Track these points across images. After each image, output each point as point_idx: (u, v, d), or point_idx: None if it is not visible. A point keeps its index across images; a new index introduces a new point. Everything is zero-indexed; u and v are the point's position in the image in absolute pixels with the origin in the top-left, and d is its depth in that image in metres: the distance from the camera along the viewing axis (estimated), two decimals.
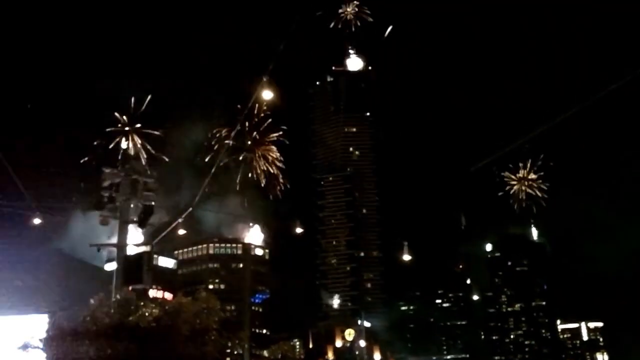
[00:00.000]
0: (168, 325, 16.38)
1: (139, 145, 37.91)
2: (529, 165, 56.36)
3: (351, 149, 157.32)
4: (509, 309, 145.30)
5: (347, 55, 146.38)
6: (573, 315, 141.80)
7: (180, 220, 25.41)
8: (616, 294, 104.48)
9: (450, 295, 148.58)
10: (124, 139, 40.39)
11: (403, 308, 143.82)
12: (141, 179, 20.33)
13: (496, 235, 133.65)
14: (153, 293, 60.72)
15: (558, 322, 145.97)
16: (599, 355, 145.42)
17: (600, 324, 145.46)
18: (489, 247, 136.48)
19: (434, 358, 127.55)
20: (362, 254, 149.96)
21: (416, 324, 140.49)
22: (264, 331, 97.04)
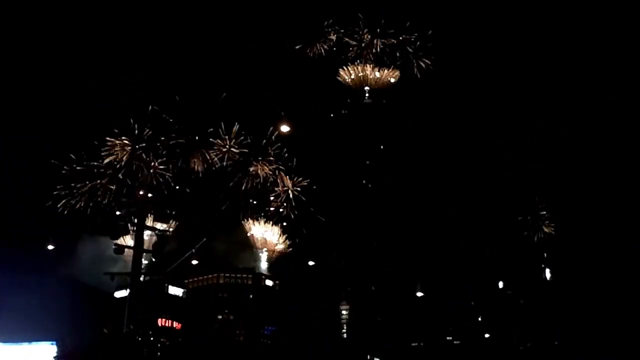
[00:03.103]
0: (179, 358, 16.28)
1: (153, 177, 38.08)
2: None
3: (364, 181, 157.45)
4: (520, 348, 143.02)
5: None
6: (585, 357, 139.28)
7: (193, 250, 25.31)
8: (628, 337, 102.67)
9: (461, 332, 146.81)
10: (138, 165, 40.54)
11: (413, 345, 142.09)
12: (157, 210, 20.31)
13: (508, 273, 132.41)
14: (161, 322, 60.40)
15: None
16: None
17: None
18: (500, 284, 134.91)
19: None
20: (372, 289, 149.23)
21: None
22: None
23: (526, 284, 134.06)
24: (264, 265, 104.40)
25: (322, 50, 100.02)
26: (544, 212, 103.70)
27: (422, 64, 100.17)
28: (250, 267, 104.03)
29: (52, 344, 35.03)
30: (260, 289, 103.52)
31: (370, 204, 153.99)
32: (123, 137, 41.51)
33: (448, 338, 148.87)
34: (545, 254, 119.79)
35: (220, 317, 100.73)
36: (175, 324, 64.91)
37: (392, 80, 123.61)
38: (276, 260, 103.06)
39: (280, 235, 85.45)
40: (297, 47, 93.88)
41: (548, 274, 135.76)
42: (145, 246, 20.08)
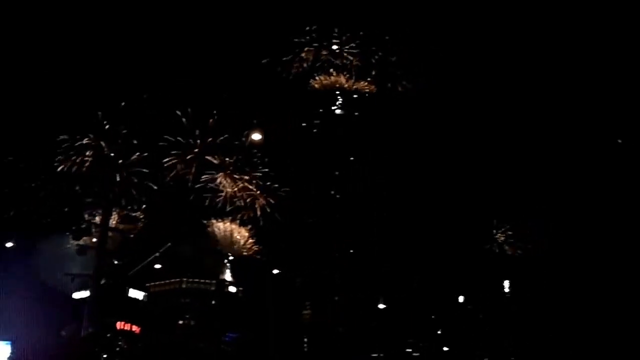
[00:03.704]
0: None
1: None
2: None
3: (332, 192, 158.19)
4: None
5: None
6: None
7: (157, 254, 25.22)
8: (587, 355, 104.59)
9: (420, 345, 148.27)
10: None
11: (373, 356, 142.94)
12: (122, 212, 20.25)
13: (469, 288, 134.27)
14: (120, 325, 59.72)
15: None
16: None
17: None
18: (460, 299, 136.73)
19: None
20: (336, 299, 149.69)
21: None
22: None
23: (486, 299, 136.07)
24: (227, 271, 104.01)
25: (298, 65, 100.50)
26: (505, 227, 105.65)
27: (398, 85, 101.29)
28: (214, 273, 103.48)
29: (7, 344, 34.48)
30: (223, 295, 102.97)
31: (337, 215, 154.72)
32: (90, 135, 41.13)
33: (408, 350, 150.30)
34: (505, 269, 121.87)
35: (181, 322, 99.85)
36: (134, 328, 64.24)
37: (366, 92, 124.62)
38: (241, 268, 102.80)
39: (246, 239, 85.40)
40: (264, 61, 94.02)
41: (508, 289, 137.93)
42: (109, 248, 19.98)
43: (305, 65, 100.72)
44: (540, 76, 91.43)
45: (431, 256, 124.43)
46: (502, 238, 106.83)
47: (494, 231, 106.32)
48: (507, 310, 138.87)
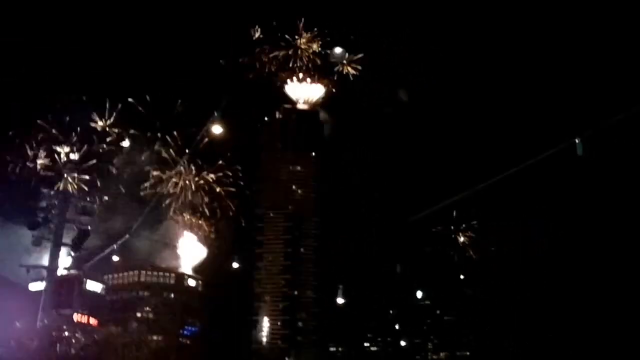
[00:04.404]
0: (97, 356, 16.49)
1: (75, 182, 37.19)
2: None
3: (294, 187, 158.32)
4: (434, 357, 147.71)
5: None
6: None
7: (115, 246, 25.38)
8: (537, 350, 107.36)
9: (379, 339, 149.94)
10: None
11: (332, 349, 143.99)
12: (79, 203, 20.37)
13: (427, 284, 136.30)
14: (77, 317, 59.18)
15: None
16: None
17: None
18: (419, 294, 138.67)
19: None
20: (295, 293, 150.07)
21: None
22: None
23: (444, 295, 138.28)
24: (187, 265, 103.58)
25: (262, 61, 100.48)
26: (464, 224, 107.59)
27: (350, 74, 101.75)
28: (173, 266, 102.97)
29: None
30: (182, 288, 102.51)
31: (297, 209, 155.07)
32: (44, 128, 40.59)
33: (365, 344, 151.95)
34: (464, 266, 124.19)
35: (139, 315, 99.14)
36: (92, 321, 63.71)
37: (325, 89, 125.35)
38: (200, 261, 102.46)
39: (207, 232, 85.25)
40: (222, 61, 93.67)
41: (466, 286, 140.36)
42: (65, 239, 20.03)
43: (269, 61, 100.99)
44: (531, 71, 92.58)
45: (389, 253, 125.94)
46: (465, 240, 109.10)
47: (454, 234, 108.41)
48: (465, 306, 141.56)
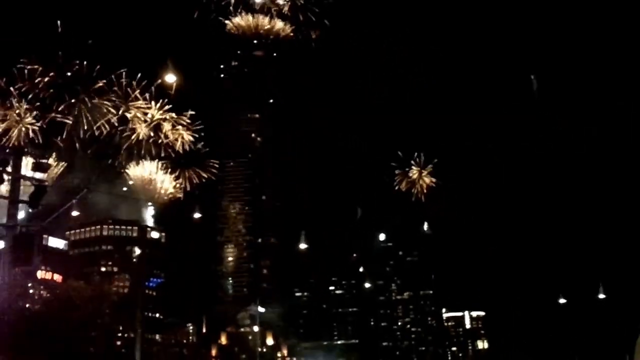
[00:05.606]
0: (58, 310, 16.42)
1: (30, 130, 36.04)
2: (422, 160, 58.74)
3: (253, 135, 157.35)
4: (399, 297, 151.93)
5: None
6: (457, 304, 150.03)
7: (74, 201, 24.97)
8: (497, 287, 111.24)
9: (343, 283, 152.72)
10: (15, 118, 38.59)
11: (297, 295, 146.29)
12: (34, 159, 19.93)
13: (389, 226, 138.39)
14: (42, 274, 58.75)
15: (443, 310, 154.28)
16: (479, 343, 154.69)
17: (482, 314, 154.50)
18: (382, 237, 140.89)
19: (325, 343, 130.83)
20: (259, 241, 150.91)
21: (309, 311, 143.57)
22: (158, 315, 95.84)
23: (406, 237, 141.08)
24: (149, 217, 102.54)
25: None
26: (424, 165, 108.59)
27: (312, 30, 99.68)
28: (135, 219, 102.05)
29: None
30: (146, 241, 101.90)
31: (257, 160, 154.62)
32: None
33: (330, 288, 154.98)
34: (425, 207, 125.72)
35: (103, 269, 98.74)
36: (55, 277, 63.23)
37: (284, 34, 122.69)
38: (163, 213, 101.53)
39: (168, 182, 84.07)
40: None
41: (426, 227, 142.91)
42: (22, 196, 19.63)
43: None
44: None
45: (352, 196, 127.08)
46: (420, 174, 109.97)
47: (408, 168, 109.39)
48: (425, 248, 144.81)
